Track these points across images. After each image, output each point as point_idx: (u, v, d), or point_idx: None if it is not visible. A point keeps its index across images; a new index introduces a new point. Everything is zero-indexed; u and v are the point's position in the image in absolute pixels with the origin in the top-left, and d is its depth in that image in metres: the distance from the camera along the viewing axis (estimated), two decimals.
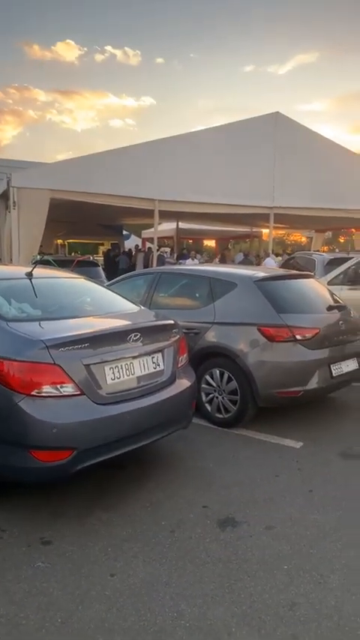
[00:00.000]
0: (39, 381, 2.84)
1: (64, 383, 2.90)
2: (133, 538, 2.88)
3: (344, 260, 7.85)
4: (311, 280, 5.47)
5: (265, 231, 23.71)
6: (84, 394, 2.96)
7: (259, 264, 15.87)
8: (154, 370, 3.47)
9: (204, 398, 4.74)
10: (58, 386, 2.89)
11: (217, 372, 4.67)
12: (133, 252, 20.06)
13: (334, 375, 4.63)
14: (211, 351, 4.72)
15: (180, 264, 14.96)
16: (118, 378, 3.19)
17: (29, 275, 3.65)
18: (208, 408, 4.73)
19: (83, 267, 9.66)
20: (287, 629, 2.20)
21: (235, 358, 4.52)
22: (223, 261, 18.74)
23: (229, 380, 4.58)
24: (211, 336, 4.72)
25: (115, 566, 2.63)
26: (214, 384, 4.69)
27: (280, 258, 16.89)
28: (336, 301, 5.23)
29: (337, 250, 26.17)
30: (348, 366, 4.84)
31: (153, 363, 3.48)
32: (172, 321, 3.79)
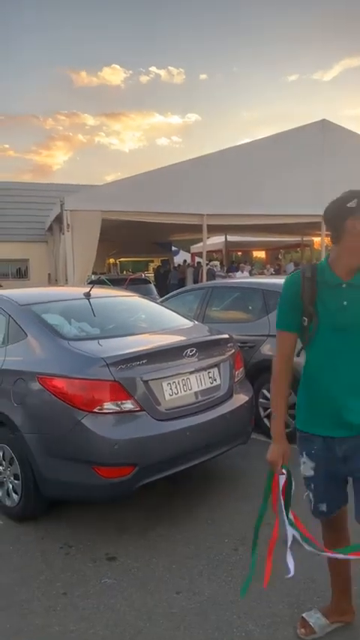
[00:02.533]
0: (100, 397, 2.91)
1: (124, 399, 2.95)
2: (196, 555, 2.86)
3: None
4: None
5: (316, 239, 23.29)
6: (144, 410, 3.00)
7: None
8: (210, 385, 3.47)
9: (262, 412, 4.67)
10: (119, 402, 2.94)
11: None
12: (181, 267, 20.24)
13: None
14: (267, 365, 4.65)
15: (229, 276, 14.95)
16: (176, 394, 3.21)
17: (87, 295, 3.76)
18: (267, 422, 4.66)
19: (135, 285, 9.85)
20: None
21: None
22: (279, 272, 18.53)
23: None
24: (267, 349, 4.67)
25: (181, 583, 2.62)
26: None
27: None
28: None
29: None
30: None
31: (209, 377, 3.48)
32: (227, 336, 3.78)
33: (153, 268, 27.39)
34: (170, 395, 3.18)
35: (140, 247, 25.27)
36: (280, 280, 5.65)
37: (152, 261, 33.56)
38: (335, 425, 1.96)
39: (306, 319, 1.95)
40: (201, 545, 2.95)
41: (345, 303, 1.89)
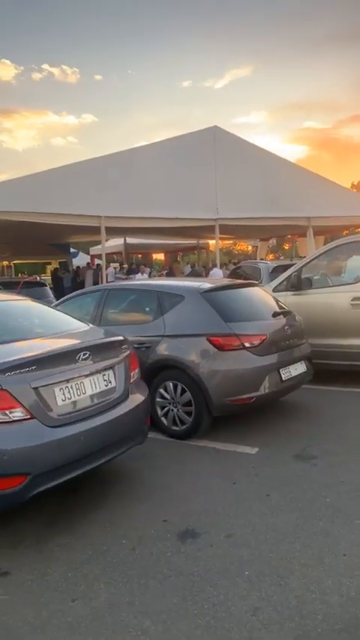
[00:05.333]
0: None
1: (12, 408, 2.84)
2: (93, 560, 2.84)
3: (288, 267, 8.10)
4: (256, 288, 5.62)
5: (211, 242, 24.13)
6: (34, 418, 2.91)
7: (206, 275, 16.10)
8: (105, 388, 3.46)
9: (159, 412, 4.74)
10: (7, 411, 2.83)
11: (171, 384, 4.69)
12: (79, 270, 19.91)
13: (283, 379, 4.76)
14: (163, 364, 4.75)
15: (130, 278, 14.98)
16: (69, 399, 3.15)
17: None
18: (164, 421, 4.74)
19: (30, 288, 9.53)
20: (250, 635, 2.23)
21: (187, 369, 4.56)
22: (172, 274, 18.88)
23: (183, 392, 4.62)
24: (162, 349, 4.76)
25: (77, 590, 2.58)
26: (168, 397, 4.71)
27: (225, 269, 17.21)
28: (281, 307, 5.39)
29: (281, 257, 26.98)
30: (296, 369, 4.98)
31: (104, 380, 3.47)
32: (121, 337, 3.79)
33: (50, 271, 26.62)
34: (63, 400, 3.12)
35: (36, 249, 24.43)
36: (174, 282, 5.79)
37: (50, 264, 32.61)
38: None
39: None
40: (98, 550, 2.93)
41: None
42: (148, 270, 20.33)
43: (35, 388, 2.95)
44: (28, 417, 2.89)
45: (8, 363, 2.91)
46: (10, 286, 7.93)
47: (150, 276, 18.15)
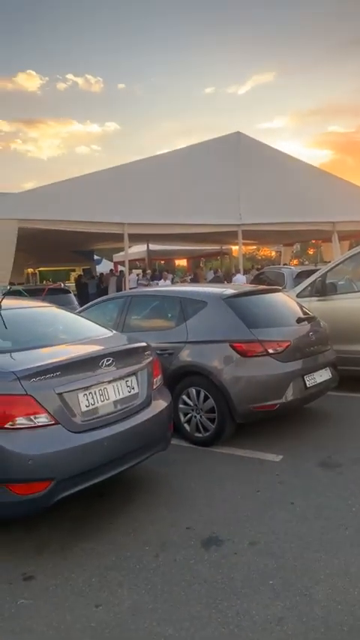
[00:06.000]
0: (12, 413, 2.82)
1: (37, 413, 2.88)
2: (117, 566, 2.84)
3: (312, 272, 8.02)
4: (279, 294, 5.58)
5: (234, 247, 24.06)
6: (59, 423, 2.94)
7: (229, 281, 16.05)
8: (128, 394, 3.47)
9: (182, 418, 4.74)
10: (32, 417, 2.87)
11: (194, 390, 4.69)
12: (103, 276, 20.09)
13: (308, 385, 4.70)
14: (185, 371, 4.75)
15: (153, 285, 15.06)
16: (92, 405, 3.18)
17: None
18: (187, 427, 4.73)
19: (54, 295, 9.65)
20: None
21: (210, 376, 4.55)
22: (196, 280, 18.88)
23: (206, 398, 4.60)
24: (185, 356, 4.76)
25: (100, 596, 2.59)
26: (191, 403, 4.71)
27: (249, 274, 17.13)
28: (305, 313, 5.34)
29: (305, 263, 26.73)
30: (321, 376, 4.92)
31: (127, 386, 3.49)
32: (144, 344, 3.81)
33: (75, 277, 26.93)
34: (87, 406, 3.15)
35: (61, 256, 24.76)
36: (196, 288, 5.79)
37: (74, 270, 33.01)
38: None
39: None
40: (121, 556, 2.94)
41: None
42: (170, 276, 20.40)
43: (60, 394, 2.98)
44: (53, 422, 2.93)
45: (33, 369, 2.95)
46: (35, 293, 8.04)
47: (172, 282, 18.20)
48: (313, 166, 17.63)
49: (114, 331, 4.22)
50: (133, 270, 22.63)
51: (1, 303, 3.68)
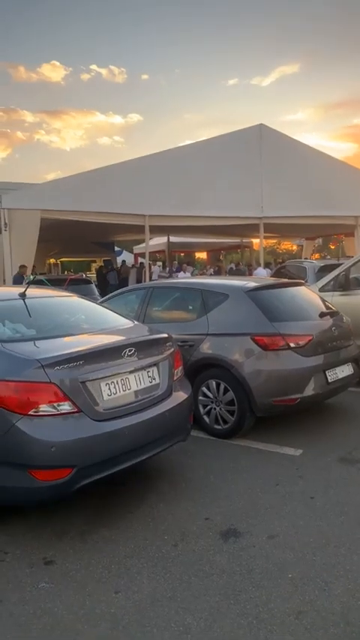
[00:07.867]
0: (36, 400, 2.85)
1: (60, 401, 2.91)
2: (136, 554, 2.87)
3: (335, 266, 7.92)
4: (302, 288, 5.52)
5: (255, 241, 23.87)
6: (81, 411, 2.97)
7: (250, 274, 15.95)
8: (150, 384, 3.49)
9: (202, 410, 4.74)
10: (55, 404, 2.90)
11: (214, 383, 4.68)
12: (122, 268, 20.15)
13: (329, 380, 4.65)
14: (206, 363, 4.74)
15: (173, 277, 15.04)
16: (114, 394, 3.20)
17: (22, 295, 3.68)
18: (207, 419, 4.74)
19: (76, 285, 9.71)
20: (294, 638, 2.19)
21: (231, 369, 4.54)
22: (219, 273, 18.79)
23: (226, 391, 4.59)
24: (206, 348, 4.75)
25: (120, 583, 2.62)
26: (211, 396, 4.70)
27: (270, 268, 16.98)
28: (328, 308, 5.28)
29: (328, 257, 26.39)
30: (343, 371, 4.87)
31: (149, 377, 3.50)
32: (165, 335, 3.81)
33: (96, 268, 27.07)
34: (109, 395, 3.17)
35: (82, 247, 24.91)
36: (218, 280, 5.77)
37: (95, 262, 33.18)
38: None
39: None
40: (140, 544, 2.96)
41: None
42: (191, 268, 20.36)
43: (82, 382, 3.01)
44: (75, 410, 2.95)
45: (57, 357, 2.98)
46: (57, 283, 8.11)
47: (192, 274, 18.15)
48: (336, 159, 17.31)
49: (135, 322, 4.23)
50: (156, 263, 22.65)
51: (26, 292, 3.72)
